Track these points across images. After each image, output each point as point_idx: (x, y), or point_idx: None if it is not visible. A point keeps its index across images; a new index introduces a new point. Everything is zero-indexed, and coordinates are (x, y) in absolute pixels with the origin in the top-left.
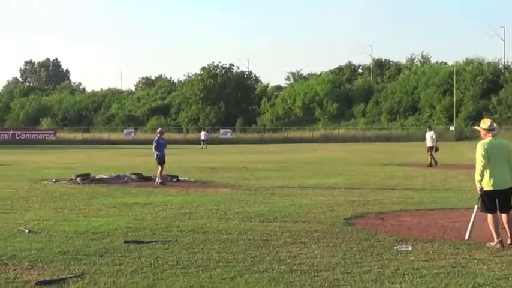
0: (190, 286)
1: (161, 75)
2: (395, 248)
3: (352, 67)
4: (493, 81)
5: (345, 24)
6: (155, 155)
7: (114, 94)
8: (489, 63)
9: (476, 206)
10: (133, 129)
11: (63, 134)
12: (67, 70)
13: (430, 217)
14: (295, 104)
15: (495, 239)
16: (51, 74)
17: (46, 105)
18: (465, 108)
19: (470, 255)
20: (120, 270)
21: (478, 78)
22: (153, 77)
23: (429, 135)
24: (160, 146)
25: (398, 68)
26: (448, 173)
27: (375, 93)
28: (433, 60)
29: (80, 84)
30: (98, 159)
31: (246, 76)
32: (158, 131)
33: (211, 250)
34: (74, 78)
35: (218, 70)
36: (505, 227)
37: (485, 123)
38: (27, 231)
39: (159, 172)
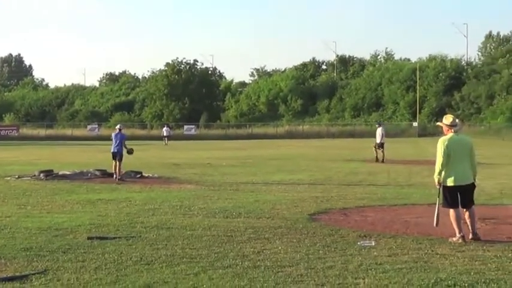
0: (154, 282)
1: (125, 71)
2: (358, 243)
3: (316, 63)
4: (455, 78)
5: (309, 20)
6: (113, 149)
7: (78, 90)
8: (452, 60)
9: (437, 200)
10: (96, 125)
11: (26, 130)
12: (30, 66)
13: (393, 212)
14: (260, 100)
15: (457, 234)
16: (13, 69)
17: (8, 101)
18: (428, 105)
19: (432, 250)
20: (83, 267)
21: (441, 74)
22: (117, 73)
23: (378, 131)
24: (119, 142)
25: (362, 64)
26: (411, 169)
27: (338, 90)
28: (396, 57)
29: (43, 80)
30: (61, 155)
31: (210, 72)
32: (117, 127)
33: (175, 246)
34: (37, 74)
35: (182, 66)
36: (467, 222)
37: (448, 119)
38: None
39: (118, 168)
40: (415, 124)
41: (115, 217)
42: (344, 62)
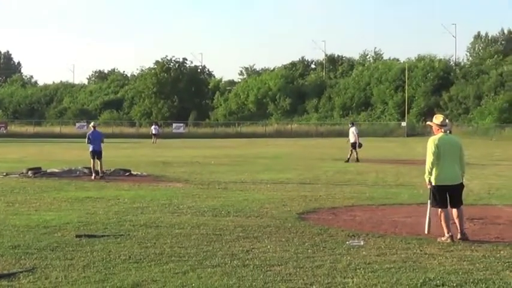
0: (143, 280)
1: (114, 69)
2: (347, 242)
3: (305, 62)
4: (444, 78)
5: (298, 19)
6: (92, 147)
7: (67, 87)
8: (440, 60)
9: (429, 202)
10: (85, 123)
11: (14, 128)
12: (19, 63)
13: (382, 212)
14: (249, 98)
15: (446, 234)
16: (2, 66)
17: None
18: (417, 105)
19: (421, 250)
20: (71, 265)
21: (429, 74)
22: (106, 71)
23: (351, 131)
24: (96, 140)
25: (351, 64)
26: (400, 169)
27: (327, 89)
28: (385, 57)
29: (31, 77)
30: (50, 152)
31: (199, 70)
32: (91, 125)
33: (163, 244)
34: (26, 71)
35: (171, 64)
36: (455, 222)
37: (438, 118)
38: None
39: (99, 166)
40: (403, 124)
41: (103, 215)
42: (333, 61)
